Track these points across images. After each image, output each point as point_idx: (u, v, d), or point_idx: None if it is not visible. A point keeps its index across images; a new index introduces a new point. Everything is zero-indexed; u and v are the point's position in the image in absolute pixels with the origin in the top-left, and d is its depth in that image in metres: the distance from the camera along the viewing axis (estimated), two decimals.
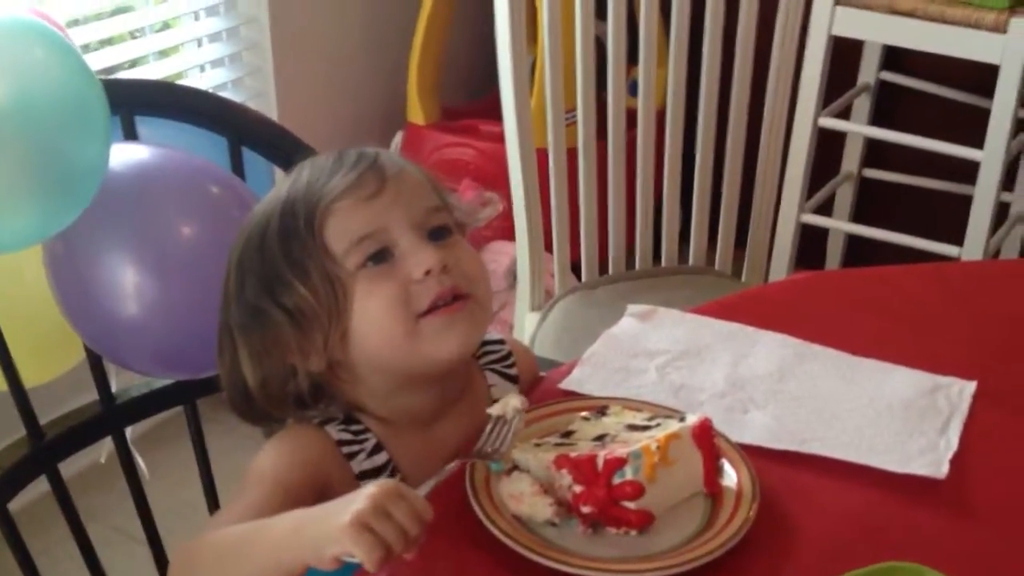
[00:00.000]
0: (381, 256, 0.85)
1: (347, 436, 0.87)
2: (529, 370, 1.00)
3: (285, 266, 0.85)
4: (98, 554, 1.15)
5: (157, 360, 1.11)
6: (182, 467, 1.30)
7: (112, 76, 1.75)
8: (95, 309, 1.07)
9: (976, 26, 1.99)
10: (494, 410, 0.84)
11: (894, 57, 2.49)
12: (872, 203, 2.58)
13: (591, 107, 1.65)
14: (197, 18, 2.12)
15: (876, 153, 2.58)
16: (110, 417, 1.17)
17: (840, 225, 2.39)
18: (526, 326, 1.68)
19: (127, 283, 1.05)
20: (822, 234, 2.48)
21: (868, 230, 2.20)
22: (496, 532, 0.78)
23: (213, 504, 1.22)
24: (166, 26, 2.08)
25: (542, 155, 1.66)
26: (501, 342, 0.98)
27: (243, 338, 0.88)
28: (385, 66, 2.44)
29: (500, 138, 2.25)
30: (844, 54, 2.41)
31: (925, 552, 0.76)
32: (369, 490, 0.71)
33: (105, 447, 1.33)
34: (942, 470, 0.84)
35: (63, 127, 0.97)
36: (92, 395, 1.17)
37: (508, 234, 1.75)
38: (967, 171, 2.13)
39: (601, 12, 1.66)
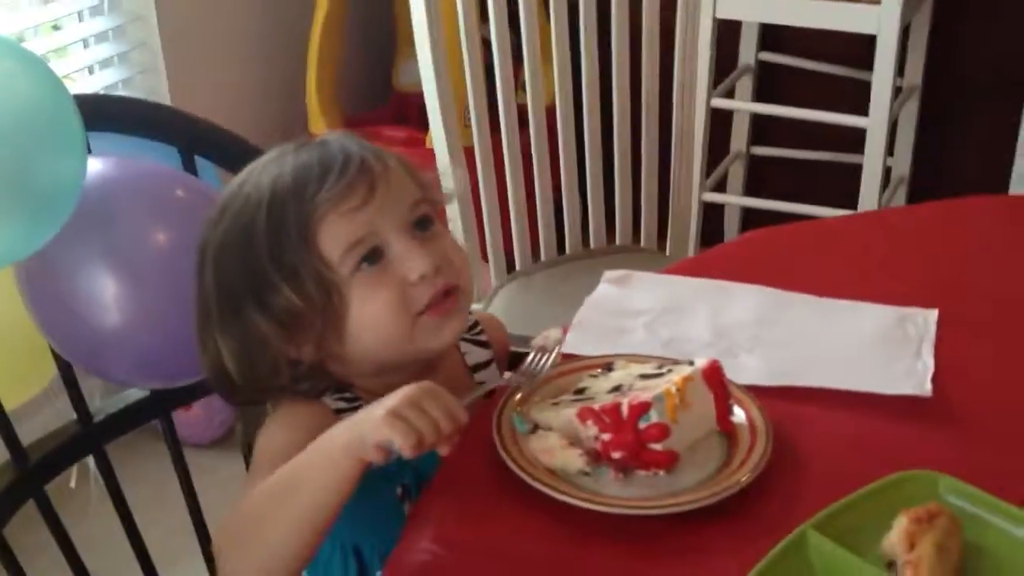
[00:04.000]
0: (374, 257, 0.87)
1: (343, 404, 0.91)
2: (499, 339, 1.05)
3: (275, 272, 0.86)
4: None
5: (139, 369, 1.10)
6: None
7: None
8: (75, 323, 1.05)
9: (851, 0, 2.12)
10: (537, 341, 0.88)
11: (771, 38, 2.61)
12: (761, 178, 2.70)
13: (512, 105, 1.71)
14: (81, 18, 2.07)
15: (760, 131, 2.70)
16: (89, 436, 1.15)
17: (738, 200, 2.50)
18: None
19: (105, 294, 1.04)
20: (719, 209, 2.59)
21: (765, 203, 2.31)
22: (536, 484, 0.81)
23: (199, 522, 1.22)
24: (56, 28, 2.02)
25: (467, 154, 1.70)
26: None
27: (225, 336, 0.89)
28: (282, 74, 2.43)
29: (403, 142, 2.28)
30: (724, 38, 2.52)
31: (924, 464, 0.82)
32: (405, 388, 0.77)
33: (73, 472, 1.31)
34: (926, 388, 0.92)
35: (39, 143, 0.96)
36: (50, 415, 1.16)
37: None
38: (847, 141, 2.26)
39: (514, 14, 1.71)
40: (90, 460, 1.19)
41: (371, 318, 0.87)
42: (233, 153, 1.24)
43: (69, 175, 1.00)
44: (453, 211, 1.68)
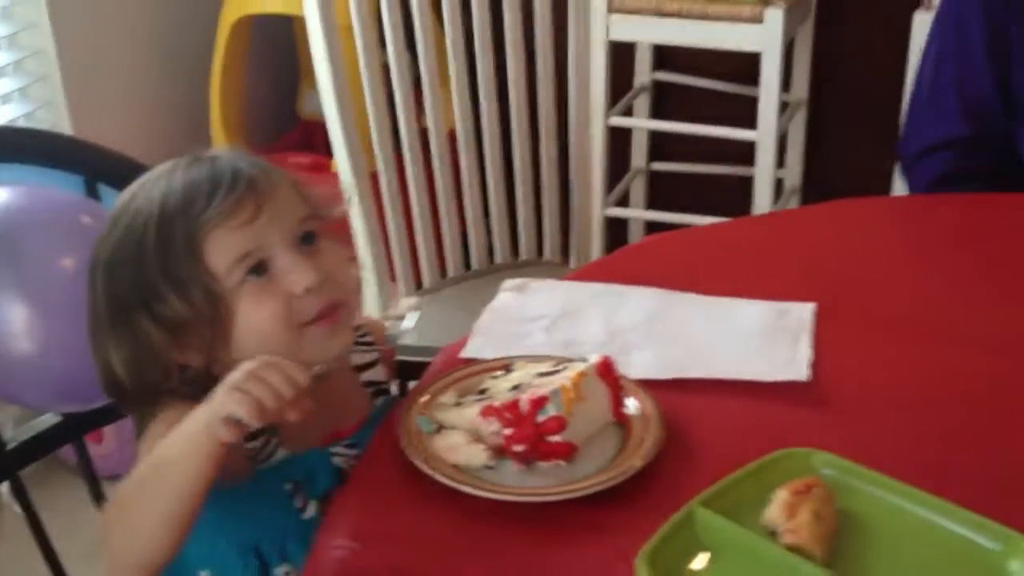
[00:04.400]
0: (260, 269, 0.91)
1: None
2: (382, 339, 1.10)
3: (164, 283, 0.90)
4: None
5: (52, 394, 1.12)
6: None
7: None
8: None
9: (735, 19, 2.21)
10: (390, 312, 0.93)
11: (665, 58, 2.70)
12: (662, 192, 2.79)
13: (414, 130, 1.76)
14: None
15: (659, 147, 2.79)
16: (2, 463, 1.16)
17: (638, 214, 2.58)
18: None
19: (15, 322, 1.06)
20: (624, 223, 2.67)
21: (666, 215, 2.40)
22: (442, 479, 0.86)
23: None
24: None
25: (372, 178, 1.75)
26: None
27: (116, 343, 0.92)
28: (186, 105, 2.44)
29: (309, 168, 2.31)
30: (620, 58, 2.60)
31: (804, 443, 0.88)
32: (244, 363, 0.82)
33: None
34: (804, 373, 0.98)
35: None
36: None
37: None
38: (741, 154, 2.35)
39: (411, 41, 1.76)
40: (4, 487, 1.20)
41: (256, 328, 0.90)
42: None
43: None
44: (360, 232, 1.72)
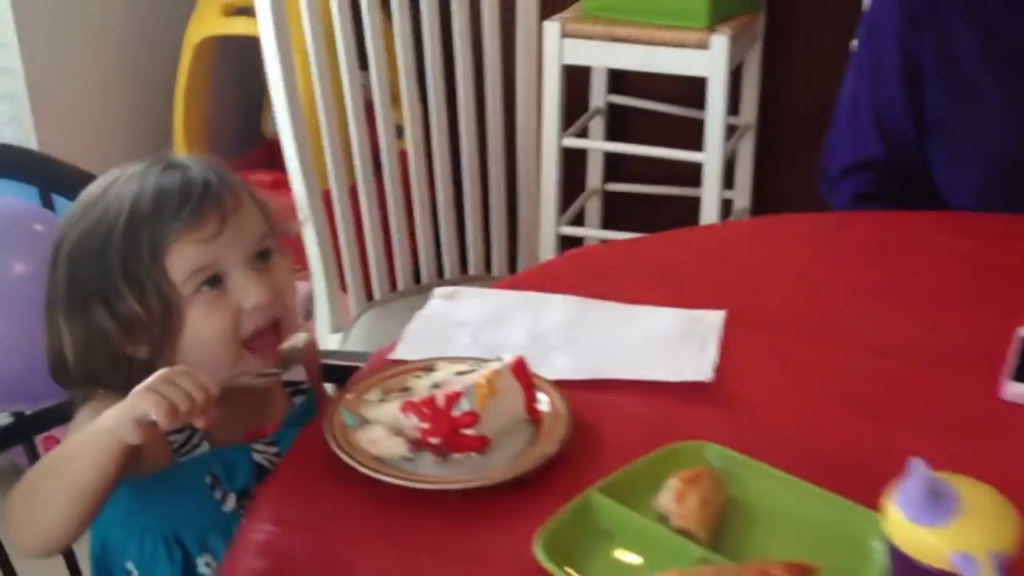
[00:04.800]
0: (214, 282, 0.97)
1: None
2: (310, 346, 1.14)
3: (123, 282, 0.96)
4: None
5: (2, 393, 1.17)
6: None
7: None
8: None
9: (682, 45, 2.29)
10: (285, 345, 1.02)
11: (618, 81, 2.78)
12: (616, 212, 2.86)
13: (366, 149, 1.83)
14: None
15: (614, 168, 2.87)
16: None
17: (593, 233, 2.65)
18: (330, 346, 1.81)
19: None
20: (579, 241, 2.74)
21: (618, 234, 2.47)
22: (362, 468, 0.92)
23: None
24: None
25: (325, 195, 1.82)
26: None
27: (68, 325, 0.98)
28: (150, 122, 2.50)
29: (271, 185, 2.37)
30: (575, 81, 2.68)
31: (704, 438, 0.95)
32: (160, 370, 0.89)
33: None
34: (708, 374, 1.05)
35: None
36: None
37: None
38: (691, 176, 2.43)
39: (364, 63, 1.83)
40: None
41: (203, 338, 0.97)
42: None
43: None
44: (312, 245, 1.79)
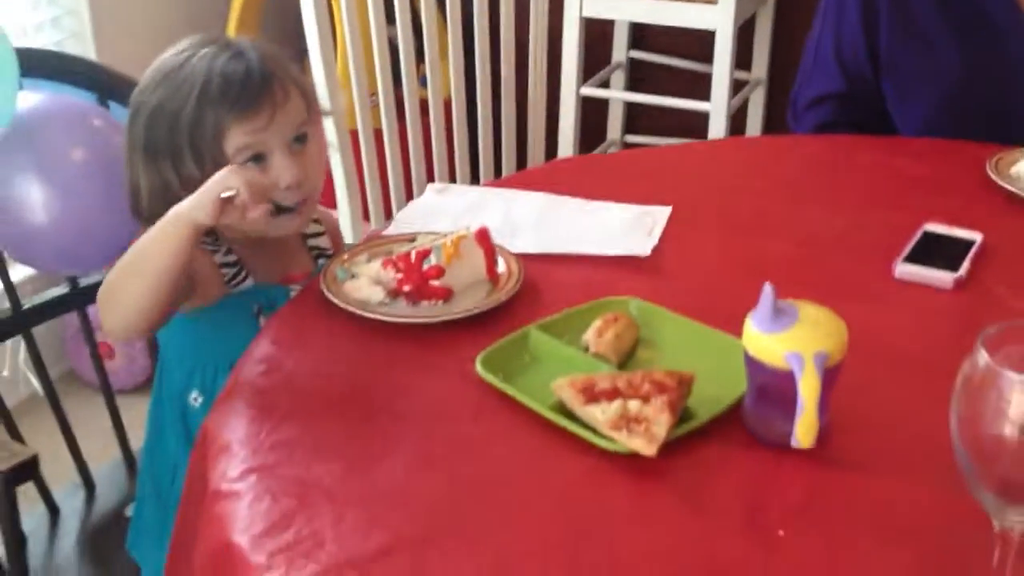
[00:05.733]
0: (258, 158, 1.20)
1: (207, 241, 1.23)
2: (330, 221, 1.40)
3: (188, 149, 1.19)
4: None
5: (59, 258, 1.40)
6: None
7: None
8: (7, 221, 1.35)
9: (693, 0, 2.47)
10: None
11: (640, 37, 2.96)
12: None
13: (391, 97, 2.04)
14: None
15: (633, 121, 3.05)
16: (22, 320, 1.45)
17: None
18: None
19: (32, 198, 1.34)
20: None
21: None
22: (346, 306, 1.12)
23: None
24: None
25: (353, 135, 2.03)
26: None
27: (144, 172, 1.22)
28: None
29: None
30: (599, 37, 2.86)
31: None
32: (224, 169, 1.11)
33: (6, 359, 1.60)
34: (647, 250, 1.24)
35: None
36: None
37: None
38: (705, 129, 2.60)
39: (391, 17, 2.04)
40: (20, 357, 1.49)
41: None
42: None
43: (4, 101, 1.30)
44: (339, 177, 2.00)
